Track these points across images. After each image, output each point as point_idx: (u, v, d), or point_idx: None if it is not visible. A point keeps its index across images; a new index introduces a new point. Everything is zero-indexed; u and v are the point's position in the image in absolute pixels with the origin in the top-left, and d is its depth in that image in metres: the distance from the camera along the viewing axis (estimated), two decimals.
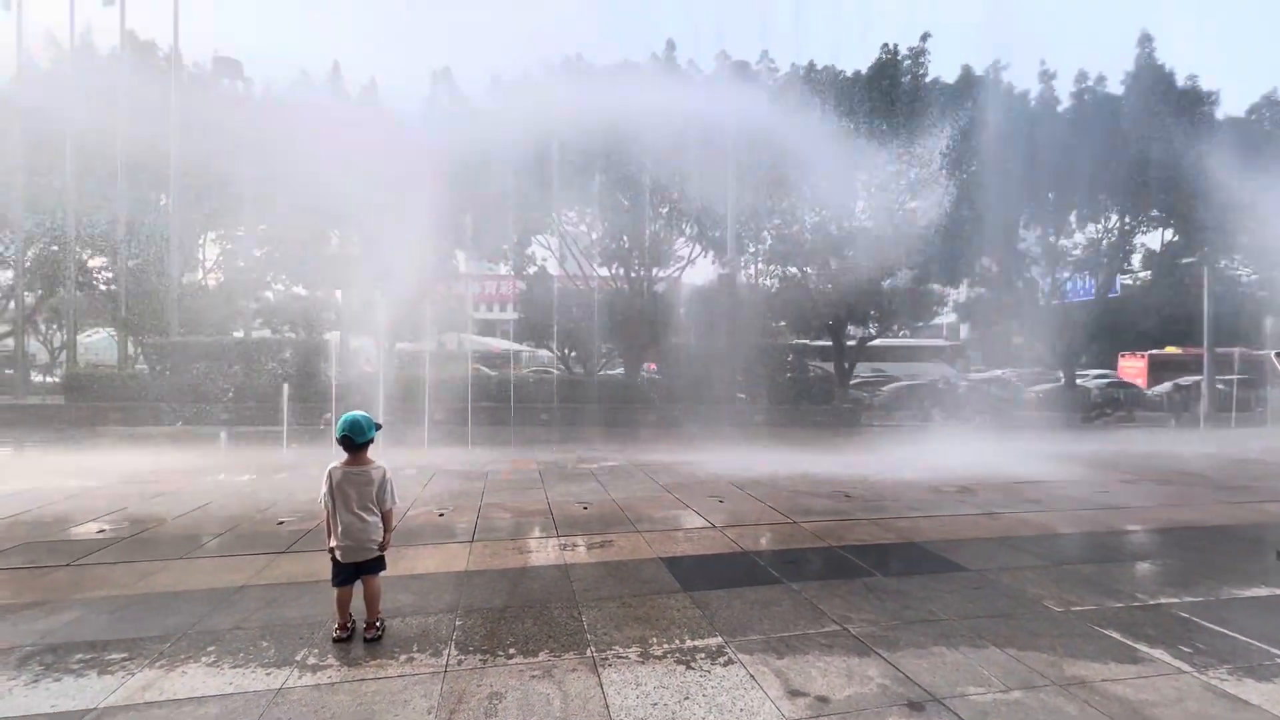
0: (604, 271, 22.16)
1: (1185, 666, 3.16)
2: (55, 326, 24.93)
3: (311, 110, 20.03)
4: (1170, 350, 24.80)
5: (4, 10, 16.65)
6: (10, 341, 18.21)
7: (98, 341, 26.05)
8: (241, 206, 17.65)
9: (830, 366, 21.65)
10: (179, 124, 17.22)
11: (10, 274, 19.29)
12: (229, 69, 17.62)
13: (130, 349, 18.83)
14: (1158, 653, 3.31)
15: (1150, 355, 24.81)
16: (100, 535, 5.50)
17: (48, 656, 3.20)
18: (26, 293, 18.87)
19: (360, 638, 3.40)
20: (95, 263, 19.63)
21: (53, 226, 17.75)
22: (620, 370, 20.53)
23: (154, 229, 17.72)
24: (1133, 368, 25.51)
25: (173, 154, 17.10)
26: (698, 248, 22.05)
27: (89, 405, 15.14)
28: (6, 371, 18.00)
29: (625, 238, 20.60)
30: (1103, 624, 3.68)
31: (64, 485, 7.58)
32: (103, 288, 19.49)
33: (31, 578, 4.40)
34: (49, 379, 20.47)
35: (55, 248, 18.21)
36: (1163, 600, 4.10)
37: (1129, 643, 3.43)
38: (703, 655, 3.25)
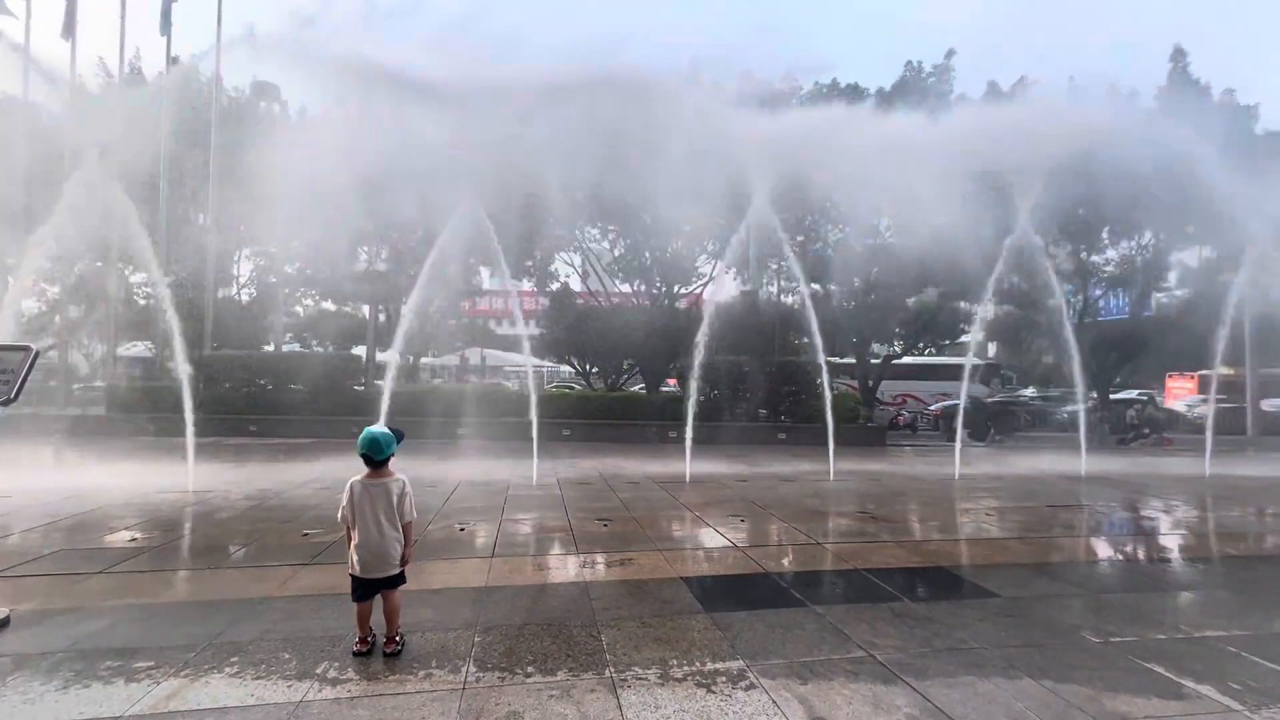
0: (625, 288, 22.29)
1: (1235, 704, 3.00)
2: (97, 340, 25.87)
3: (343, 129, 20.62)
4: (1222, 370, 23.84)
5: (61, 38, 17.57)
6: (54, 353, 18.91)
7: (136, 355, 26.93)
8: (275, 224, 18.17)
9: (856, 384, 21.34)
10: (218, 144, 17.88)
11: (56, 289, 20.10)
12: (267, 93, 18.30)
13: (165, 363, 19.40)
14: (1205, 689, 3.15)
15: (1200, 375, 23.87)
16: (131, 543, 5.62)
17: (78, 663, 3.26)
18: (70, 306, 19.63)
19: (380, 651, 3.40)
20: (136, 278, 20.36)
21: (97, 242, 18.47)
22: (641, 387, 20.53)
23: (192, 245, 18.35)
24: (1182, 388, 24.55)
25: (212, 173, 17.75)
26: (719, 264, 22.07)
27: (128, 416, 15.60)
28: (50, 383, 18.65)
29: (646, 254, 20.71)
30: (1145, 657, 3.51)
31: (99, 494, 7.78)
32: (142, 302, 20.19)
33: (66, 584, 4.51)
34: (90, 387, 21.16)
35: (99, 263, 18.94)
36: (1209, 633, 3.90)
37: (1173, 677, 3.27)
38: (724, 679, 3.18)
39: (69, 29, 17.56)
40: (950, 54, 18.65)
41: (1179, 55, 18.62)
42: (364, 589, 3.40)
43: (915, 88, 18.45)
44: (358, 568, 3.38)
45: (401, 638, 3.48)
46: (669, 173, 19.30)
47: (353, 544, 3.41)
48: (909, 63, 18.87)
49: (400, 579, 3.48)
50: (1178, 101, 18.06)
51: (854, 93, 18.75)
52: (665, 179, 19.48)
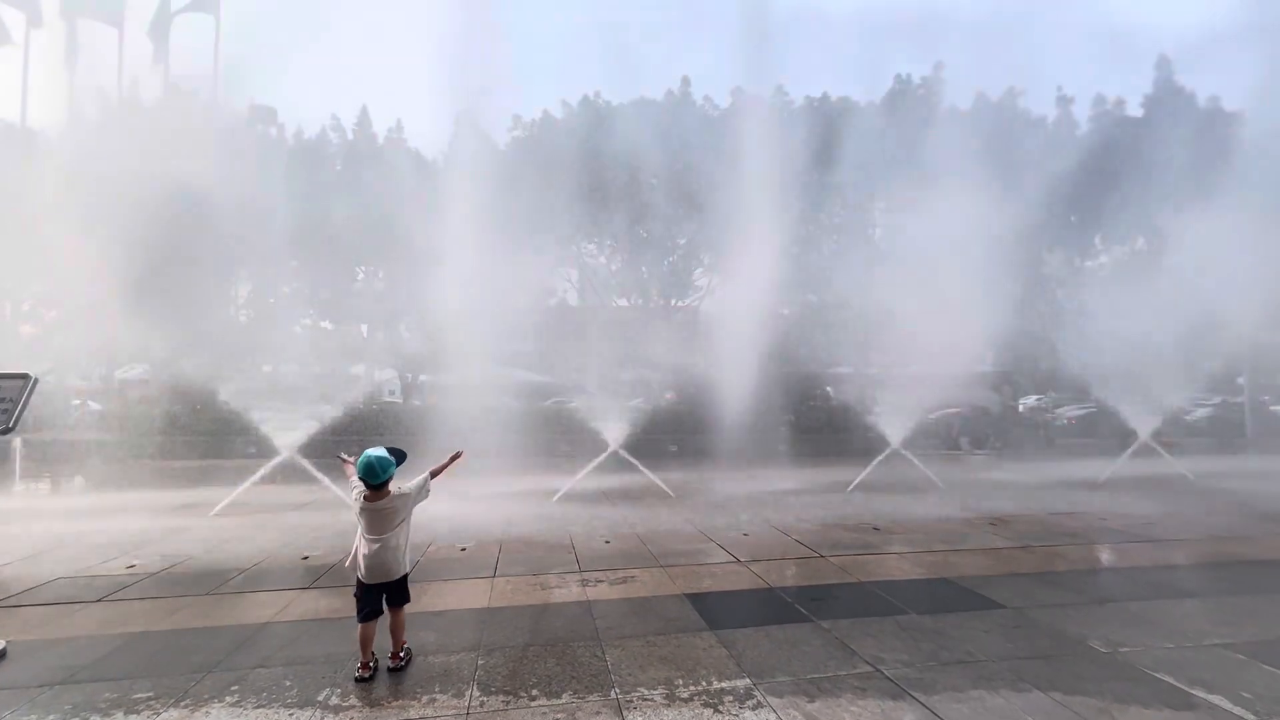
0: (622, 302, 22.36)
1: (1247, 714, 2.97)
2: (96, 362, 25.77)
3: (341, 151, 20.75)
4: None
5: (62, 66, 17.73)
6: (51, 377, 18.82)
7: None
8: (272, 245, 18.21)
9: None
10: (216, 168, 17.96)
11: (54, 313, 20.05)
12: (264, 116, 18.44)
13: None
14: (1216, 699, 3.12)
15: None
16: (129, 571, 5.57)
17: (76, 694, 3.22)
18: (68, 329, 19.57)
19: (383, 677, 3.37)
20: None
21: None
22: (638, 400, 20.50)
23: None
24: None
25: (210, 197, 17.79)
26: (716, 277, 22.15)
27: (126, 440, 15.54)
28: (44, 409, 18.54)
29: (644, 268, 20.82)
30: (1153, 667, 3.49)
31: (98, 521, 7.72)
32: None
33: (63, 614, 4.46)
34: (89, 411, 21.04)
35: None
36: (1216, 641, 3.88)
37: (1183, 687, 3.25)
38: (730, 698, 3.15)
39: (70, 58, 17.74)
40: (938, 66, 18.90)
41: (1164, 64, 18.89)
42: (370, 596, 3.41)
43: (904, 100, 18.67)
44: (363, 569, 3.42)
45: (408, 651, 3.47)
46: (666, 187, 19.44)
47: (358, 549, 3.46)
48: (898, 75, 19.12)
49: (405, 596, 3.50)
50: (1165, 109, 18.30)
51: (845, 106, 18.97)
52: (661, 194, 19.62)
